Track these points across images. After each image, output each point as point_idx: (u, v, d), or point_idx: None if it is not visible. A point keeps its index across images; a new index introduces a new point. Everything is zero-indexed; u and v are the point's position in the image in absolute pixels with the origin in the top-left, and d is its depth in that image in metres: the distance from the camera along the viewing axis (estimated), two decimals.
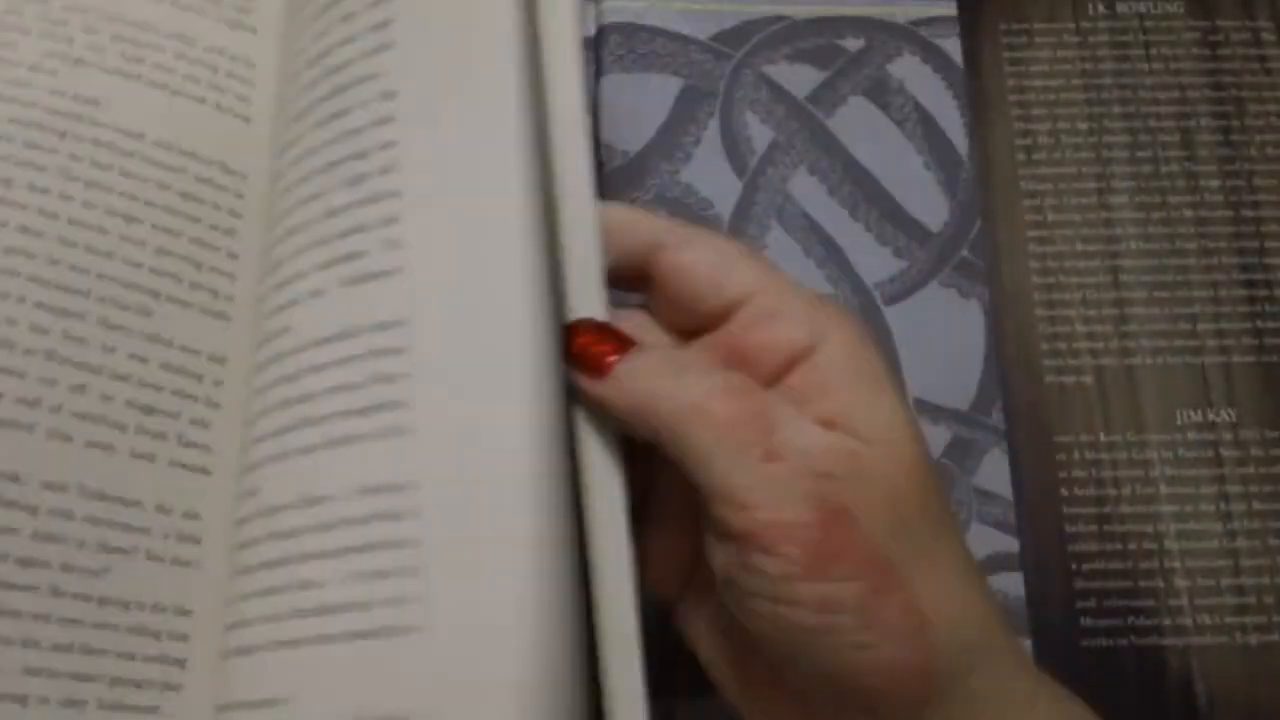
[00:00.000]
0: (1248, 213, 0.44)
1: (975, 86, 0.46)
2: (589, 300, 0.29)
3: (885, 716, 0.27)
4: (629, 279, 0.31)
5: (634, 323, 0.31)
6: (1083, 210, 0.44)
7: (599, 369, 0.28)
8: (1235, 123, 0.45)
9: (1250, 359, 0.43)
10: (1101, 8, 0.47)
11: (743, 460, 0.26)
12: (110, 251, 0.33)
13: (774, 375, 0.28)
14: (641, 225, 0.30)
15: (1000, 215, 0.44)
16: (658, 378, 0.27)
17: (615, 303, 0.30)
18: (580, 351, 0.28)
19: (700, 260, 0.29)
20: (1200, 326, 0.43)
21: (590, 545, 0.28)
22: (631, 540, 0.28)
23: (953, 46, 0.46)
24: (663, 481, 0.31)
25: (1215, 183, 0.45)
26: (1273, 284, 0.43)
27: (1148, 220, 0.44)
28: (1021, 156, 0.45)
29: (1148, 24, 0.47)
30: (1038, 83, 0.46)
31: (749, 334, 0.29)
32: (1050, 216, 0.44)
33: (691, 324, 0.30)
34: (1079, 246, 0.44)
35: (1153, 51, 0.46)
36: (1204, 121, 0.46)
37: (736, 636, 0.29)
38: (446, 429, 0.28)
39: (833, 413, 0.27)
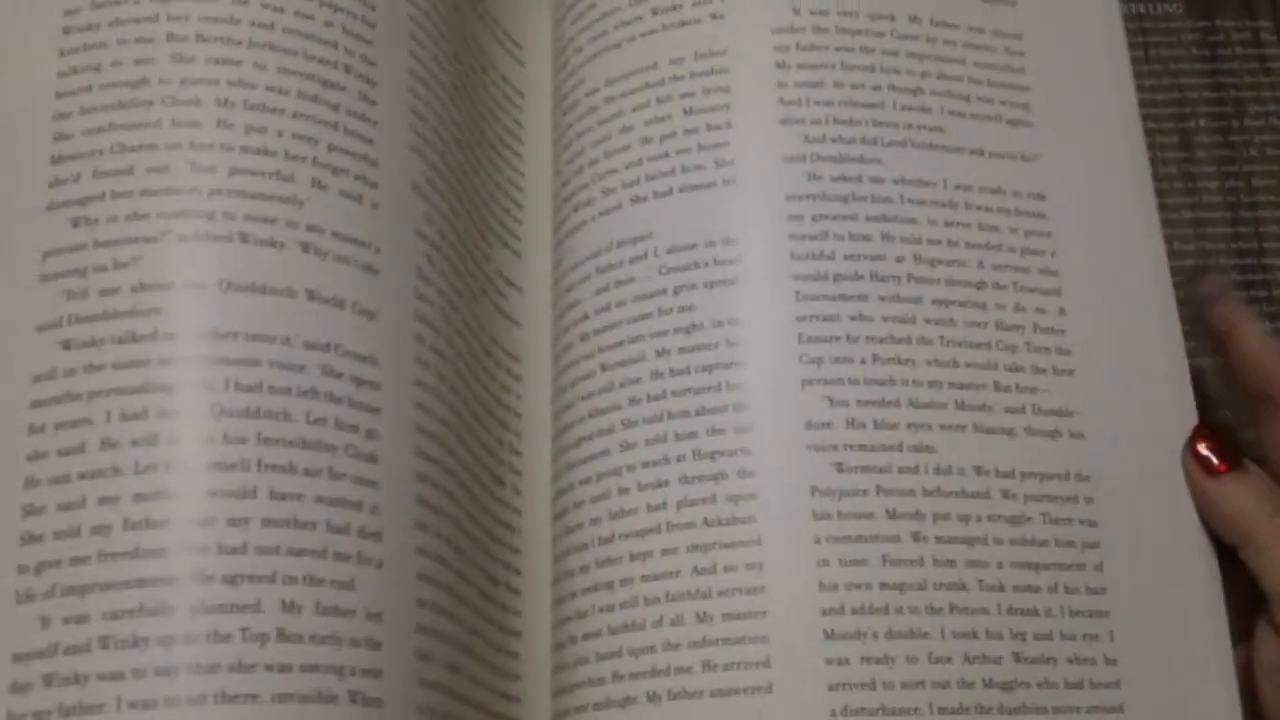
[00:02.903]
0: (1246, 213, 0.44)
1: None
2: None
3: None
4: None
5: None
6: None
7: (1213, 471, 0.33)
8: (1235, 123, 0.45)
9: None
10: None
11: None
12: None
13: None
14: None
15: None
16: (1256, 502, 0.32)
17: None
18: (1201, 453, 0.34)
19: None
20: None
21: None
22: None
23: None
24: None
25: (1214, 184, 0.45)
26: (1272, 284, 0.43)
27: None
28: None
29: (1147, 24, 0.47)
30: None
31: None
32: None
33: None
34: None
35: (1152, 52, 0.46)
36: (1203, 122, 0.45)
37: (1258, 695, 0.33)
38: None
39: None
